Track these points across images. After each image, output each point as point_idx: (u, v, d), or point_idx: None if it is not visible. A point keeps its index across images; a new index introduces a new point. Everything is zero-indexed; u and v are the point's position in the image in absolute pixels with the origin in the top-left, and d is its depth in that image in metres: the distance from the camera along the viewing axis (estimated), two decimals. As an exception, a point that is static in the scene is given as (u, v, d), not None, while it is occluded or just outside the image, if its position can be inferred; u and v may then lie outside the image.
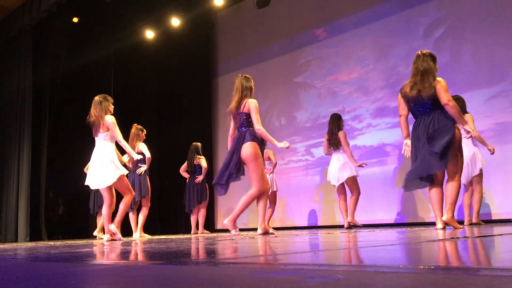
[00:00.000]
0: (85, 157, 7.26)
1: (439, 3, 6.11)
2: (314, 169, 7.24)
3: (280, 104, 7.84)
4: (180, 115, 9.13)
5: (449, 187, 3.65)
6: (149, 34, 8.49)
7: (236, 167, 4.26)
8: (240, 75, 4.51)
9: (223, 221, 8.36)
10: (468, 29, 5.82)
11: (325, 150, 5.86)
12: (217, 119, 8.89)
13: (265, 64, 8.05)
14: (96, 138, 4.89)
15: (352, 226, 5.61)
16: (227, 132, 8.48)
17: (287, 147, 4.33)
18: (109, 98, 4.97)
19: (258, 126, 4.27)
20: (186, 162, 7.04)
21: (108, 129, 4.78)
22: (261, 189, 4.28)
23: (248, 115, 4.31)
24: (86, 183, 4.91)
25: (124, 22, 8.32)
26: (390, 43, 6.54)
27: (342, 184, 5.64)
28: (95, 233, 6.71)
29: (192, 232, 7.14)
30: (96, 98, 4.93)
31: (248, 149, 4.22)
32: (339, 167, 5.59)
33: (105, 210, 4.84)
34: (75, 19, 8.13)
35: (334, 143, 5.68)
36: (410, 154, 3.81)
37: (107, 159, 4.73)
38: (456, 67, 5.79)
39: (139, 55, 8.87)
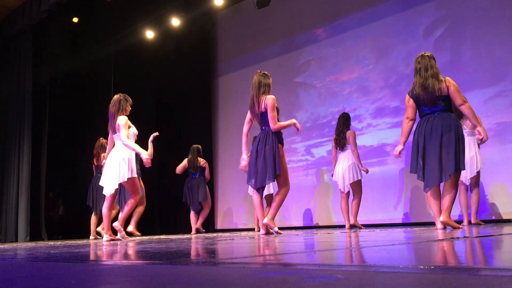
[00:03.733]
0: (85, 157, 7.29)
1: (439, 3, 6.11)
2: (314, 169, 7.24)
3: (280, 104, 7.79)
4: (180, 116, 9.12)
5: (448, 189, 3.66)
6: (149, 34, 8.49)
7: (279, 169, 4.17)
8: (259, 71, 4.44)
9: (222, 221, 8.41)
10: (468, 29, 5.82)
11: (333, 151, 5.78)
12: (217, 119, 8.89)
13: (265, 64, 8.04)
14: (113, 136, 4.82)
15: (352, 226, 5.62)
16: (227, 133, 8.58)
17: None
18: (129, 98, 4.91)
19: (272, 125, 4.21)
20: (186, 162, 7.07)
21: (118, 129, 4.74)
22: (289, 186, 4.34)
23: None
24: (100, 184, 4.86)
25: (124, 22, 8.32)
26: (390, 43, 6.54)
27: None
28: (92, 237, 6.67)
29: (193, 232, 7.16)
30: (116, 96, 4.87)
31: (281, 152, 4.25)
32: (347, 169, 5.56)
33: (105, 210, 4.82)
34: (75, 19, 8.12)
35: (340, 143, 5.64)
36: (413, 152, 3.82)
37: (121, 158, 4.67)
38: (456, 67, 5.78)
39: (139, 55, 8.87)
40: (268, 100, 4.25)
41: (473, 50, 5.75)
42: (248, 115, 4.48)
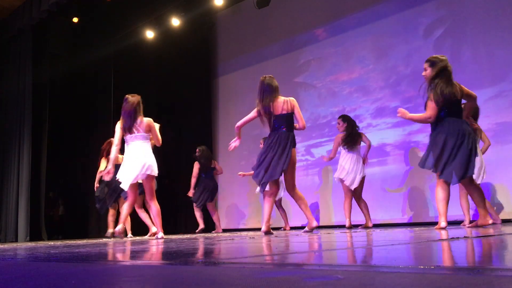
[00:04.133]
0: (85, 157, 7.29)
1: (439, 3, 6.11)
2: (314, 169, 7.24)
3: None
4: (180, 116, 9.12)
5: (477, 190, 3.86)
6: (149, 34, 8.49)
7: (286, 165, 4.30)
8: (265, 76, 4.51)
9: (222, 221, 8.40)
10: (468, 29, 5.81)
11: (334, 152, 5.80)
12: (217, 119, 8.89)
13: (265, 64, 8.04)
14: (128, 137, 4.77)
15: (352, 226, 5.64)
16: (227, 133, 8.57)
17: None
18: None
19: (303, 123, 4.43)
20: (199, 165, 7.18)
21: (146, 130, 4.75)
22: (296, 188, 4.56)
23: (291, 115, 4.40)
24: (118, 178, 4.76)
25: (124, 22, 8.32)
26: (390, 43, 6.54)
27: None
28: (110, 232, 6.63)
29: (200, 228, 7.22)
30: (135, 98, 4.82)
31: (294, 154, 4.40)
32: (360, 169, 5.61)
33: (126, 209, 4.80)
34: (75, 19, 8.13)
35: (351, 142, 5.68)
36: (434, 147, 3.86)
37: (147, 157, 4.70)
38: (456, 67, 5.75)
39: (139, 55, 8.87)
40: (294, 101, 4.43)
41: (473, 50, 5.75)
42: (252, 115, 4.50)
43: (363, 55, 6.80)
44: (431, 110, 3.84)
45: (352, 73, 6.92)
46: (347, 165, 5.65)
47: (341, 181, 5.71)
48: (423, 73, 3.97)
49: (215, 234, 6.12)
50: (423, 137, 6.05)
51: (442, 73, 3.86)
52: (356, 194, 5.69)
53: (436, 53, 6.00)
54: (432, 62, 3.92)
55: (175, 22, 8.12)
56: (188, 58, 8.97)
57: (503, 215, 5.28)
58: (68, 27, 8.39)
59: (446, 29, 5.99)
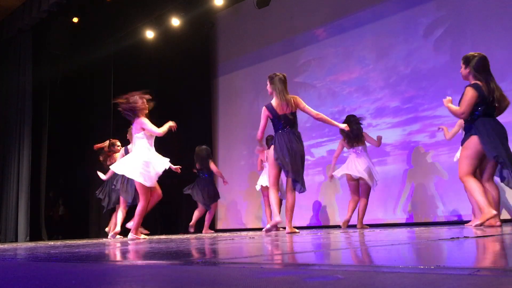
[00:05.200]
0: (85, 157, 7.29)
1: (439, 3, 6.11)
2: (314, 169, 7.24)
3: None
4: (180, 116, 9.10)
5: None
6: (149, 34, 8.48)
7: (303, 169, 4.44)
8: (277, 74, 4.51)
9: (222, 221, 8.40)
10: (468, 29, 5.82)
11: (340, 150, 5.92)
12: (217, 119, 8.89)
13: (265, 64, 8.04)
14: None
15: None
16: (227, 133, 8.57)
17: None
18: None
19: (317, 112, 4.50)
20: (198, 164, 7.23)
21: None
22: None
23: (295, 114, 4.45)
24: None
25: (124, 22, 8.31)
26: (390, 43, 6.54)
27: (357, 184, 5.65)
28: (107, 229, 6.68)
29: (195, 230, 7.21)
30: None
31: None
32: (372, 166, 5.66)
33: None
34: (75, 19, 8.12)
35: (359, 140, 5.71)
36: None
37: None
38: (456, 67, 5.74)
39: (139, 55, 8.86)
40: (298, 98, 4.50)
41: (473, 50, 5.72)
42: (267, 113, 4.47)
43: (363, 55, 6.80)
44: (470, 107, 3.94)
45: (352, 73, 6.92)
46: (360, 164, 5.58)
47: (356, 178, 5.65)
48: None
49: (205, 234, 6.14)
50: (423, 137, 6.05)
51: (488, 73, 3.99)
52: (365, 192, 5.70)
53: (436, 53, 6.02)
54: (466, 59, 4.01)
55: (175, 22, 8.11)
56: (188, 58, 8.96)
57: (503, 215, 5.28)
58: (68, 27, 8.39)
59: (446, 29, 5.99)
